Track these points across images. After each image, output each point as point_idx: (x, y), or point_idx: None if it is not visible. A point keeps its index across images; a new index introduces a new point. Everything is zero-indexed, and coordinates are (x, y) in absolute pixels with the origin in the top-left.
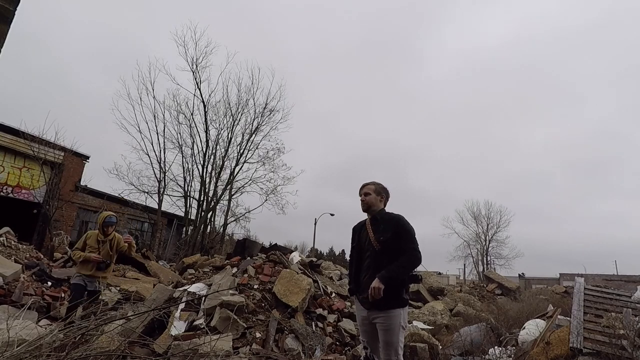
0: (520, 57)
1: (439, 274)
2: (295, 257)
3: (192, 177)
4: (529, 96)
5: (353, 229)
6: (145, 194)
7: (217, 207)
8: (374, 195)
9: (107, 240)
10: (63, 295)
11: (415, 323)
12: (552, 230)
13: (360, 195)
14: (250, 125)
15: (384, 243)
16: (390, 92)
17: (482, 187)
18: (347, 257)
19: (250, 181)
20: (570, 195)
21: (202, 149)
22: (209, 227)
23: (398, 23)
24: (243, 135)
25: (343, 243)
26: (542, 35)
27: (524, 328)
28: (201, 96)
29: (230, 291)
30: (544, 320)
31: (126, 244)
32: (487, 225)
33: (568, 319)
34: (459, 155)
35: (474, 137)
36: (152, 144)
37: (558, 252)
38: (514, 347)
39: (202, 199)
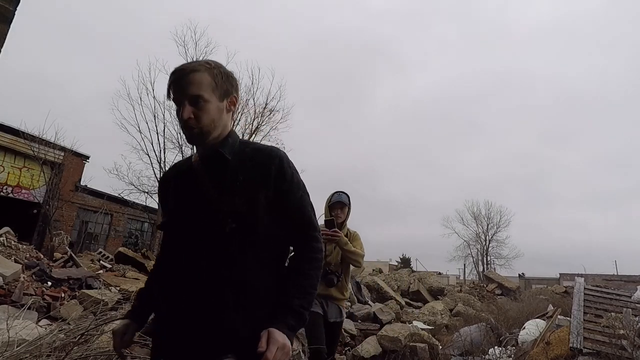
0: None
1: (439, 274)
2: None
3: None
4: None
5: (162, 179)
6: (145, 194)
7: None
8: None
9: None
10: (63, 295)
11: (415, 323)
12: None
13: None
14: (250, 126)
15: (241, 218)
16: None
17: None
18: None
19: None
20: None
21: None
22: None
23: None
24: (243, 135)
25: None
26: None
27: (524, 328)
28: None
29: None
30: (544, 320)
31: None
32: (487, 225)
33: (568, 319)
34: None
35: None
36: (152, 144)
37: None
38: (514, 347)
39: None
